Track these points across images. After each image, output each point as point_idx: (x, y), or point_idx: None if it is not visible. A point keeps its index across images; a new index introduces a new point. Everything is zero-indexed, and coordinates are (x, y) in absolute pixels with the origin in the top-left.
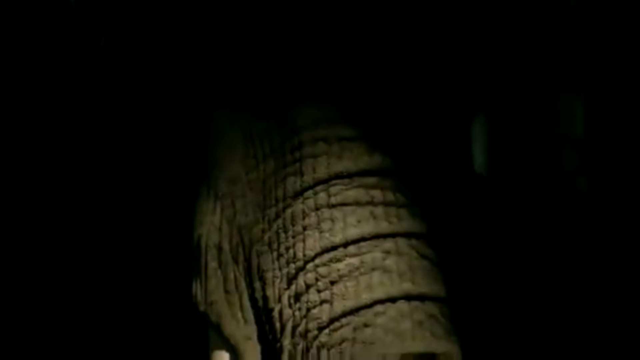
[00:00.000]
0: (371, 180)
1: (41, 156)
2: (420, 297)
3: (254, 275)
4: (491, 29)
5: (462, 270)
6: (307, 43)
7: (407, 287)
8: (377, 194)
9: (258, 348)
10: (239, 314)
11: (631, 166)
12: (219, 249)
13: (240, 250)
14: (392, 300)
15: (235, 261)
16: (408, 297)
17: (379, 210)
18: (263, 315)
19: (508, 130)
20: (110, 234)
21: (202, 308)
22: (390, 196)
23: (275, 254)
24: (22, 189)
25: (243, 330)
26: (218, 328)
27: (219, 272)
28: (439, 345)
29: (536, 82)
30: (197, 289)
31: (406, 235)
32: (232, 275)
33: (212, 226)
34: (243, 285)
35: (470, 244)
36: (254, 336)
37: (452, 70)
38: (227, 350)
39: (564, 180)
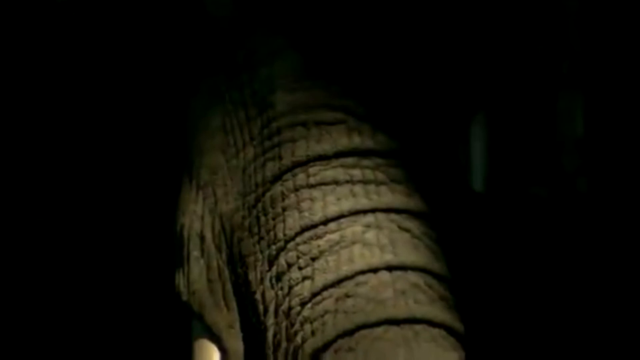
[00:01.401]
0: (350, 160)
1: (21, 150)
2: (402, 267)
3: (236, 262)
4: (490, 28)
5: (446, 248)
6: (289, 28)
7: (388, 258)
8: (356, 173)
9: (240, 335)
10: (222, 302)
11: (631, 166)
12: (201, 238)
13: (222, 238)
14: (374, 270)
15: (218, 249)
16: (389, 268)
17: (357, 188)
18: (247, 300)
19: (508, 130)
20: (93, 227)
21: (184, 298)
22: (369, 175)
23: (256, 237)
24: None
25: (225, 318)
26: (200, 317)
27: (201, 261)
28: (423, 311)
29: (536, 82)
30: (179, 279)
31: (386, 210)
32: (215, 264)
33: (194, 215)
34: (226, 273)
35: (456, 227)
36: (236, 324)
37: (447, 66)
38: (210, 338)
39: (564, 181)
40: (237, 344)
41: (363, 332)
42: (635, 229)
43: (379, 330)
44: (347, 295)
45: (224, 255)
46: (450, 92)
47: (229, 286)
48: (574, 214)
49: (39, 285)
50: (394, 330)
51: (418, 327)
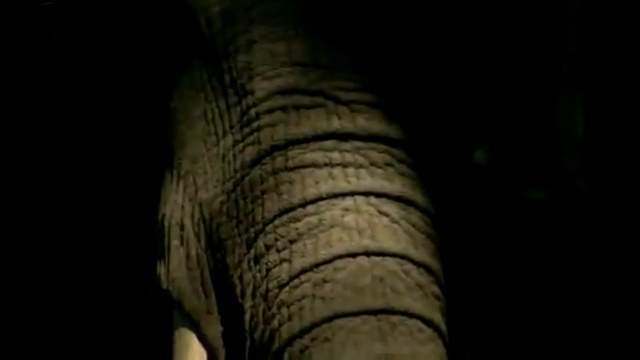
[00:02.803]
0: (329, 143)
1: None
2: (381, 254)
3: (215, 248)
4: (491, 28)
5: (425, 233)
6: (268, 16)
7: (366, 242)
8: (335, 156)
9: (218, 321)
10: (200, 289)
11: (632, 166)
12: (181, 226)
13: (202, 225)
14: (352, 255)
15: (198, 237)
16: (368, 253)
17: (337, 171)
18: (225, 284)
19: (508, 130)
20: (76, 221)
21: (164, 286)
22: (349, 158)
23: (234, 221)
24: None
25: (204, 304)
26: (180, 305)
27: (181, 250)
28: (400, 303)
29: (536, 81)
30: (160, 268)
31: (365, 194)
32: (194, 252)
33: (175, 205)
34: (204, 260)
35: (440, 208)
36: (215, 310)
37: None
38: (189, 327)
39: (564, 181)
40: (215, 330)
41: (340, 321)
42: (635, 229)
43: (356, 321)
44: (325, 281)
45: (202, 243)
46: (440, 79)
47: (207, 273)
48: (574, 214)
49: (20, 279)
50: (371, 322)
51: (394, 318)
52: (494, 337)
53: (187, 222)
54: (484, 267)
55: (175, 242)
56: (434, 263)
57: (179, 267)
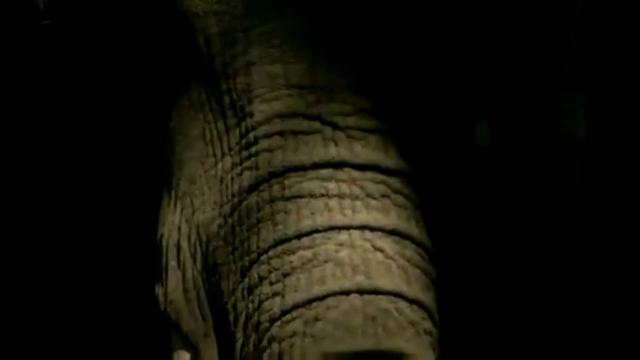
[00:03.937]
0: (326, 172)
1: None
2: (374, 292)
3: (210, 271)
4: (492, 29)
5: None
6: (266, 37)
7: (360, 279)
8: (332, 187)
9: (215, 343)
10: (197, 311)
11: (634, 167)
12: (178, 248)
13: (198, 247)
14: (345, 293)
15: (194, 259)
16: (361, 291)
17: (333, 202)
18: (219, 308)
19: (510, 131)
20: (78, 241)
21: (162, 307)
22: (345, 189)
23: (230, 247)
24: None
25: (201, 327)
26: (177, 326)
27: (178, 271)
28: (391, 343)
29: (537, 83)
30: (158, 289)
31: (360, 227)
32: (190, 274)
33: (172, 226)
34: (200, 282)
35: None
36: (212, 332)
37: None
38: (187, 348)
39: (565, 183)
40: (212, 353)
41: None
42: (636, 231)
43: None
44: (317, 319)
45: (198, 265)
46: (437, 99)
47: (203, 295)
48: (574, 216)
49: (18, 285)
50: None
51: None
52: (488, 348)
53: (184, 244)
54: (480, 277)
55: (172, 263)
56: (427, 298)
57: (177, 289)
